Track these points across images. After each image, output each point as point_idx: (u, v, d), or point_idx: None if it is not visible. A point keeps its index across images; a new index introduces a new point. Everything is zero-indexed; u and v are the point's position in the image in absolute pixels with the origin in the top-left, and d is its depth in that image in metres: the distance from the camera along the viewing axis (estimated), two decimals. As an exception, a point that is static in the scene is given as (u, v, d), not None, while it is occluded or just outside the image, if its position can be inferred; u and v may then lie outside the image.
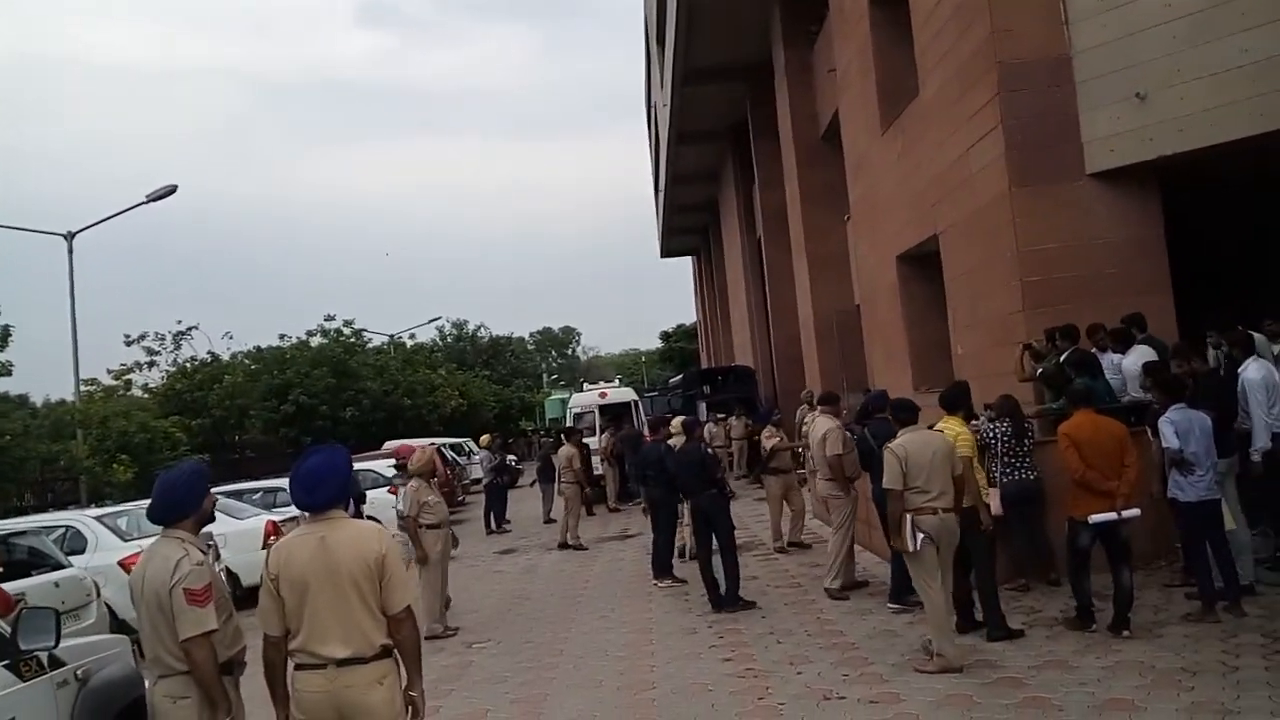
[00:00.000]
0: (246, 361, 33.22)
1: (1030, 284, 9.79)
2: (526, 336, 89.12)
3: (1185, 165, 9.19)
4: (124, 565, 9.62)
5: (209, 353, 31.75)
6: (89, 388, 25.30)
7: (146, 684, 3.98)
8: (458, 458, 25.16)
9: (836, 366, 19.31)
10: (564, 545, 13.71)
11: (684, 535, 10.40)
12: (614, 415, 20.36)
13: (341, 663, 3.48)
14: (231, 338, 45.85)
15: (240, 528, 12.18)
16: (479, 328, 64.32)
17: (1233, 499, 6.60)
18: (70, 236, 22.07)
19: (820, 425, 8.77)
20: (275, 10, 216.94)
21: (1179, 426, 6.21)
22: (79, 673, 4.38)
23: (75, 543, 10.17)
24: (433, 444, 17.32)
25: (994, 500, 7.32)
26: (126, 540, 10.27)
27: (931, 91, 11.94)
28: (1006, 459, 7.56)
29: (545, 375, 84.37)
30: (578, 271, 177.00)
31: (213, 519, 4.13)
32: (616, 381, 26.44)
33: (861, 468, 8.47)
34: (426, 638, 7.51)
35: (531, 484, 18.54)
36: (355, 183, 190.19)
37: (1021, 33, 9.83)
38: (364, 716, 3.48)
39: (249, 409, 29.93)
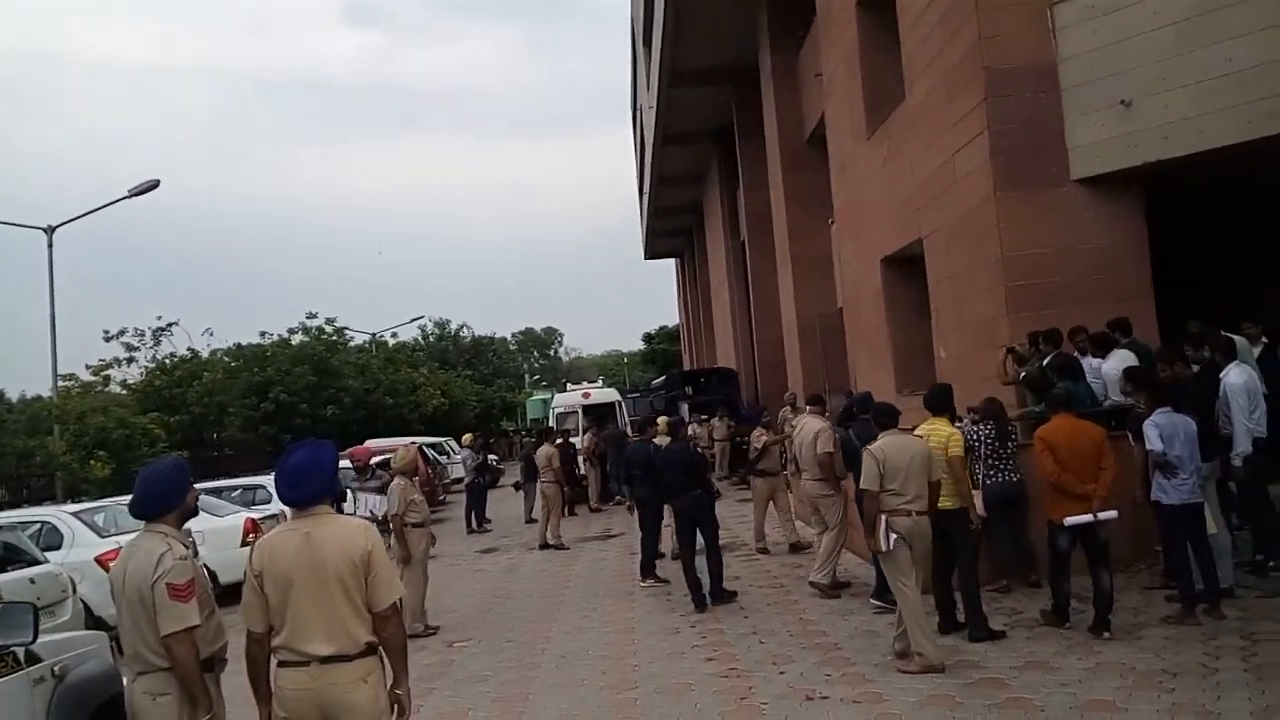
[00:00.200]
0: (226, 359, 32.96)
1: (1014, 288, 9.85)
2: (509, 337, 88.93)
3: (1169, 172, 9.26)
4: (101, 562, 9.53)
5: (189, 349, 31.50)
6: (67, 383, 25.03)
7: (125, 681, 3.92)
8: (438, 457, 25.06)
9: (819, 369, 19.36)
10: (545, 545, 13.66)
11: (665, 536, 10.38)
12: (597, 415, 20.33)
13: (325, 660, 3.44)
14: (212, 334, 45.43)
15: (219, 525, 12.08)
16: (461, 327, 64.09)
17: (1213, 503, 6.65)
18: (50, 231, 21.84)
19: (811, 425, 8.78)
20: (261, 8, 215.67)
21: (1164, 430, 6.25)
22: (56, 669, 4.31)
23: (51, 538, 10.06)
24: (413, 443, 17.23)
25: (977, 502, 7.34)
26: (104, 536, 10.16)
27: (918, 96, 11.98)
28: (990, 461, 7.59)
29: (527, 375, 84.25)
30: (561, 272, 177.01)
31: (195, 514, 4.07)
32: (600, 382, 26.39)
33: (845, 468, 8.50)
34: (408, 636, 7.46)
35: (515, 486, 18.47)
36: (340, 181, 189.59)
37: (1009, 39, 9.89)
38: (347, 715, 3.44)
39: (228, 406, 29.68)
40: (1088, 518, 6.33)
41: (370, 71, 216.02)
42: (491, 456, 21.30)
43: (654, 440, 10.39)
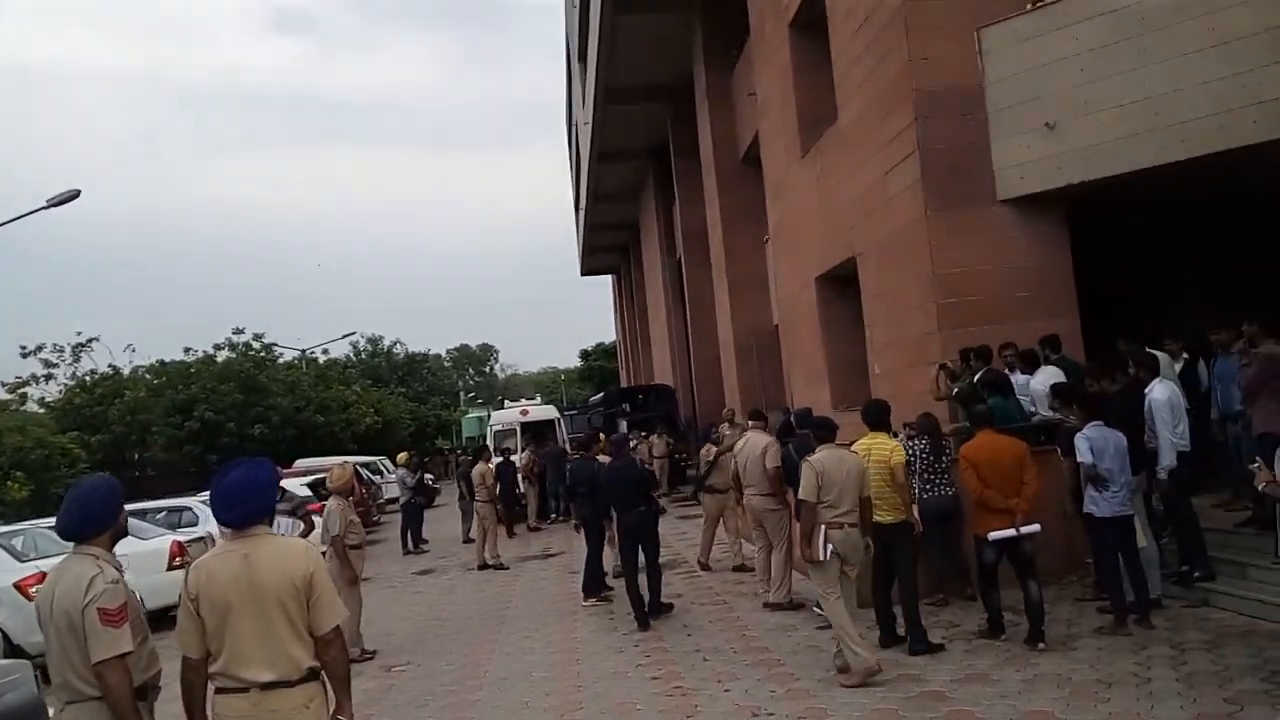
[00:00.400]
0: (149, 376, 32.01)
1: (945, 306, 10.05)
2: (443, 353, 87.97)
3: (1092, 193, 9.56)
4: (20, 588, 9.18)
5: (110, 366, 30.56)
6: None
7: (50, 711, 3.75)
8: (372, 476, 24.64)
9: (756, 386, 19.55)
10: (484, 565, 13.50)
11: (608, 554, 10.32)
12: (535, 433, 20.21)
13: (266, 686, 3.34)
14: (134, 351, 44.10)
15: (144, 548, 11.65)
16: (395, 344, 63.26)
17: (1142, 515, 6.85)
18: (-40, 244, 21.00)
19: (757, 440, 8.83)
20: (178, 12, 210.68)
21: (1094, 443, 6.44)
22: (-24, 702, 4.12)
23: (-35, 565, 9.61)
24: (346, 463, 16.93)
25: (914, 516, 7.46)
26: (23, 561, 9.76)
27: (850, 117, 12.21)
28: (925, 476, 7.73)
29: (462, 393, 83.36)
30: (496, 288, 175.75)
31: (126, 535, 3.92)
32: (538, 399, 26.26)
33: (785, 482, 8.58)
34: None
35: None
36: (266, 193, 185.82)
37: (937, 62, 10.13)
38: (291, 742, 3.34)
39: (151, 425, 28.84)
40: (1010, 532, 6.53)
41: (296, 81, 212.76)
42: (427, 476, 20.99)
43: (597, 458, 10.35)
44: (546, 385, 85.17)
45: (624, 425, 22.26)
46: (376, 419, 38.48)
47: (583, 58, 28.86)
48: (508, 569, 13.28)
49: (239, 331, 33.75)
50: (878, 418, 7.09)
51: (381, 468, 27.93)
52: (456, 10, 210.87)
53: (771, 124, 16.31)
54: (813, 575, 6.61)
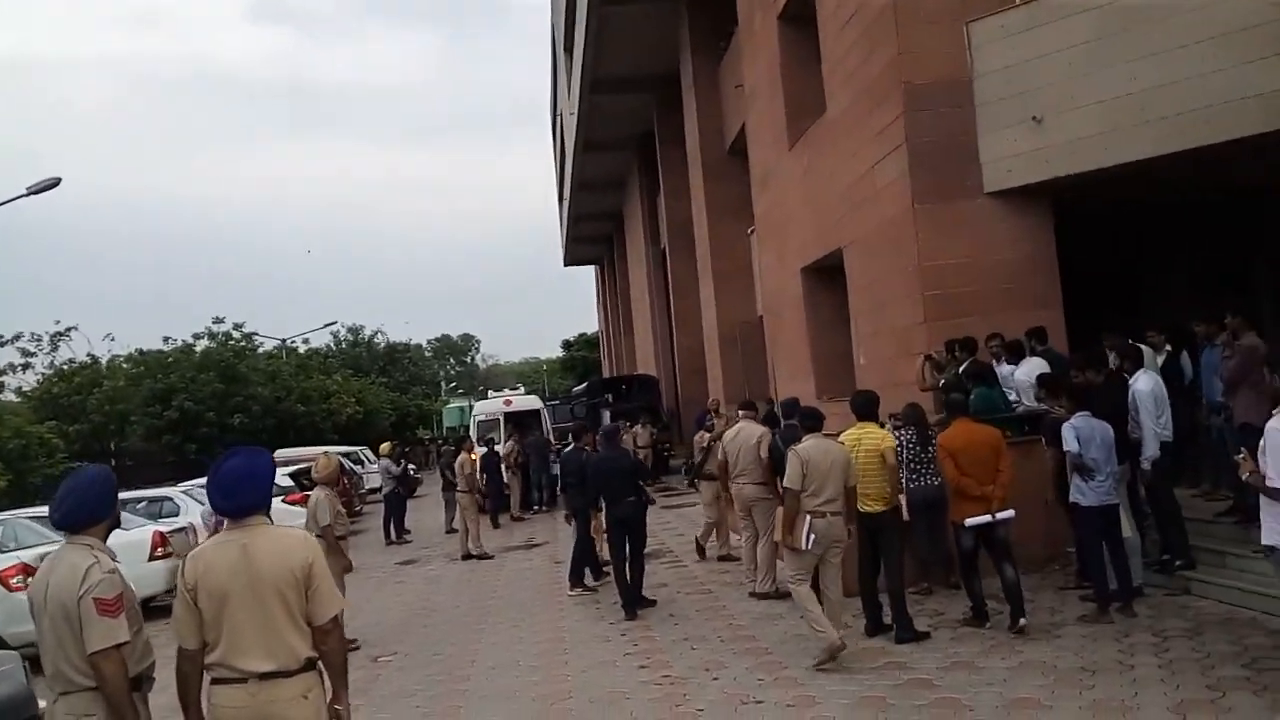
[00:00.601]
0: (125, 366, 31.68)
1: (931, 297, 10.12)
2: (424, 343, 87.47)
3: (1078, 186, 9.64)
4: (0, 578, 9.07)
5: (89, 355, 30.23)
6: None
7: (41, 703, 3.73)
8: (353, 467, 24.53)
9: (739, 376, 19.60)
10: (468, 555, 13.48)
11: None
12: (519, 423, 20.18)
13: (264, 676, 3.32)
14: (114, 340, 43.88)
15: (126, 539, 11.48)
16: (375, 333, 62.83)
17: (1125, 505, 6.94)
18: (-63, 230, 20.69)
19: (750, 429, 8.85)
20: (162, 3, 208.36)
21: (1081, 433, 6.52)
22: (-34, 692, 4.09)
23: (-55, 555, 9.52)
24: (326, 453, 16.88)
25: (902, 505, 7.52)
26: (3, 551, 9.67)
27: (839, 109, 12.24)
28: (912, 466, 7.78)
29: (444, 383, 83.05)
30: (479, 279, 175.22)
31: (120, 525, 3.90)
32: (521, 389, 26.21)
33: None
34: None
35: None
36: (246, 182, 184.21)
37: (926, 56, 10.17)
38: (289, 732, 3.34)
39: (130, 415, 28.55)
40: (986, 518, 6.65)
41: (277, 70, 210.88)
42: (409, 466, 20.92)
43: (586, 448, 10.36)
44: (528, 375, 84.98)
45: (607, 415, 22.29)
46: (358, 409, 38.27)
47: (568, 48, 28.77)
48: (492, 559, 13.27)
49: (219, 321, 33.47)
50: (867, 408, 7.14)
51: (363, 458, 27.81)
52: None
53: (759, 115, 16.33)
54: (785, 560, 6.75)
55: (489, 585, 11.24)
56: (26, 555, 9.56)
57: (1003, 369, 9.12)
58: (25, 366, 29.10)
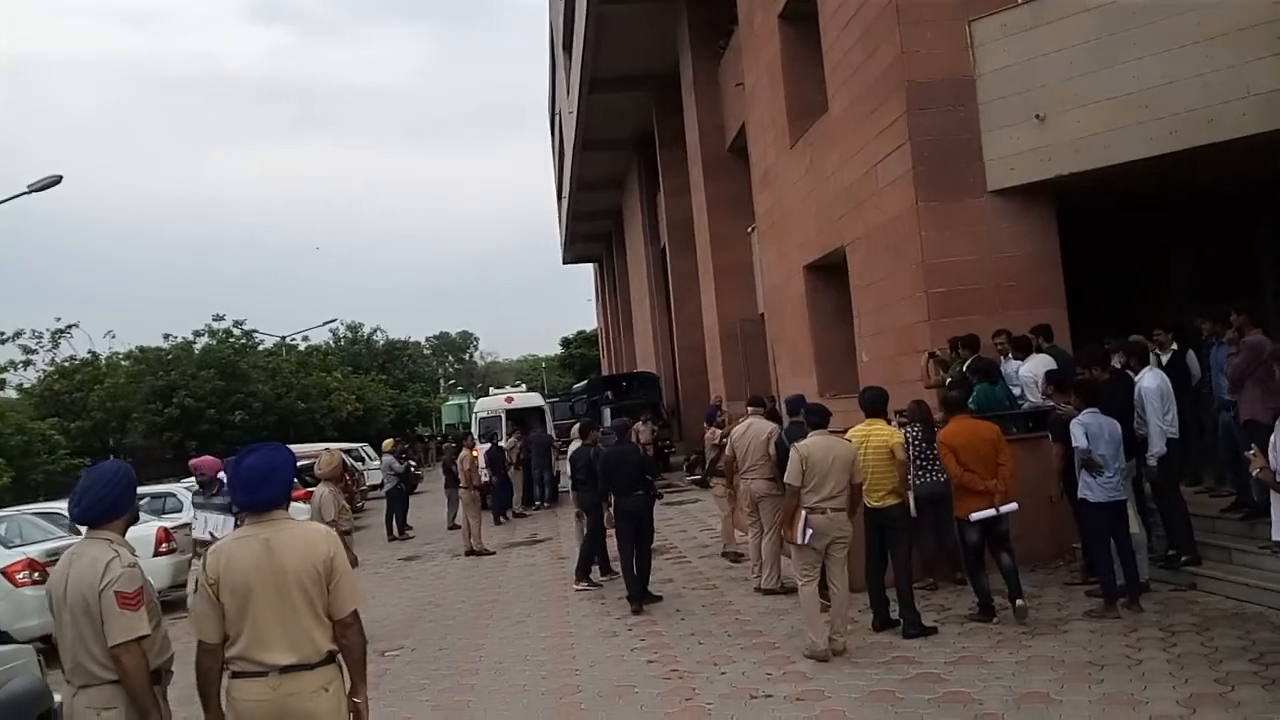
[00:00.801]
0: (126, 363, 31.69)
1: (935, 295, 10.15)
2: (423, 341, 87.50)
3: (1081, 184, 9.67)
4: (8, 574, 9.09)
5: (90, 352, 30.24)
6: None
7: (61, 696, 3.75)
8: (354, 463, 24.55)
9: (740, 374, 19.62)
10: (471, 551, 13.52)
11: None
12: (520, 420, 20.20)
13: (285, 669, 3.34)
14: (114, 337, 43.97)
15: (129, 535, 11.58)
16: (375, 331, 62.88)
17: (1131, 501, 6.97)
18: (-63, 227, 20.69)
19: (760, 425, 8.88)
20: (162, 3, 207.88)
21: (1089, 429, 6.55)
22: (-14, 685, 4.11)
23: (-48, 551, 9.52)
24: (328, 449, 16.89)
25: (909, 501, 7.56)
26: (9, 547, 9.67)
27: (840, 107, 12.26)
28: (918, 462, 7.81)
29: (443, 380, 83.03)
30: (478, 276, 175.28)
31: (138, 520, 3.92)
32: (523, 387, 26.22)
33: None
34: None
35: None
36: (244, 181, 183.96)
37: (928, 54, 10.20)
38: (309, 724, 3.36)
39: (131, 411, 28.56)
40: (991, 512, 6.74)
41: (273, 70, 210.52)
42: (410, 463, 20.95)
43: (596, 444, 10.43)
44: (526, 373, 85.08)
45: (608, 413, 22.31)
46: (358, 406, 38.31)
47: (568, 47, 28.76)
48: (494, 554, 13.31)
49: (219, 318, 33.51)
50: (876, 405, 7.17)
51: (363, 455, 27.83)
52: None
53: (760, 114, 16.34)
54: (794, 558, 6.81)
55: (493, 581, 11.27)
56: (33, 551, 9.58)
57: (1009, 365, 9.15)
58: (26, 363, 29.19)
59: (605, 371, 48.45)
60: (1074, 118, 9.42)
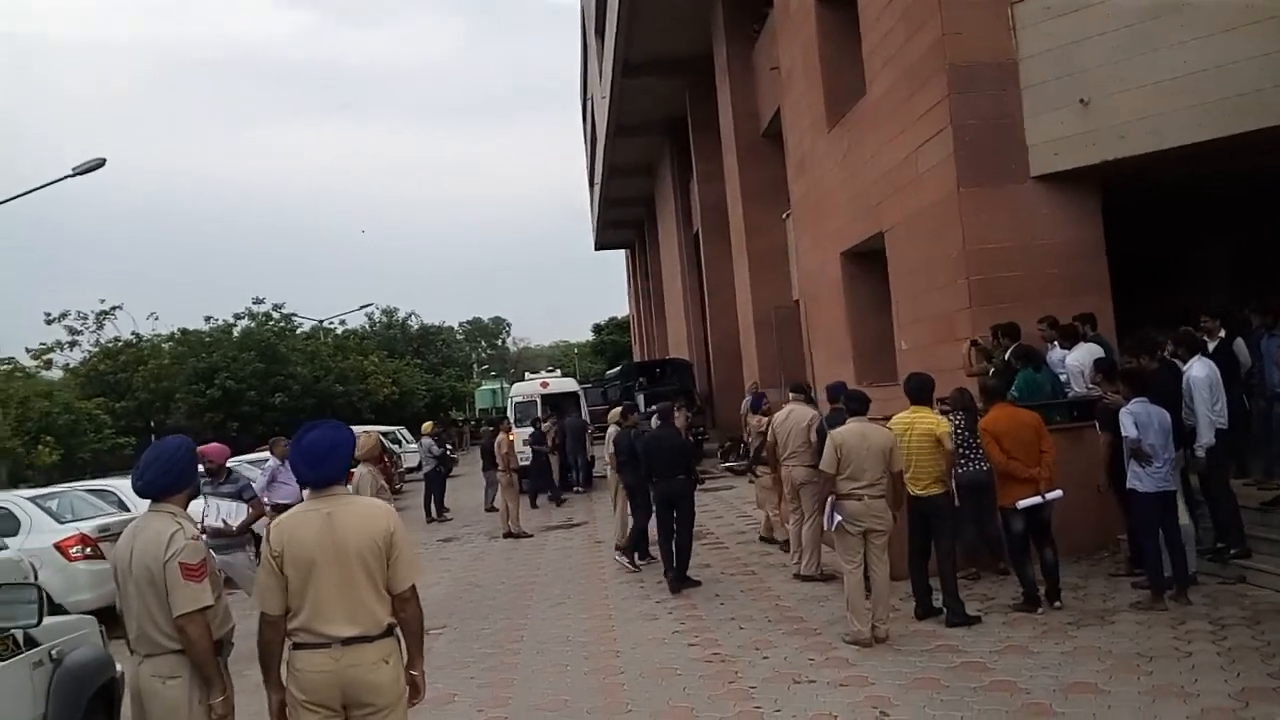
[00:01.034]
0: (166, 345, 32.23)
1: (976, 282, 10.05)
2: (456, 326, 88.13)
3: (1126, 170, 9.54)
4: (61, 548, 9.31)
5: (133, 333, 30.79)
6: (5, 367, 24.32)
7: (125, 665, 3.86)
8: (391, 446, 24.81)
9: (774, 361, 19.57)
10: (509, 534, 13.66)
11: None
12: (555, 405, 20.29)
13: (347, 641, 3.42)
14: (157, 319, 44.72)
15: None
16: (409, 315, 63.41)
17: (1179, 492, 6.89)
18: (-15, 211, 21.10)
19: (802, 412, 8.89)
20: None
21: (1138, 418, 6.49)
22: (54, 653, 4.23)
23: (7, 525, 9.74)
24: (366, 431, 17.06)
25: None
26: (62, 523, 9.90)
27: (879, 91, 12.16)
28: (961, 450, 7.76)
29: (475, 365, 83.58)
30: (509, 262, 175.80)
31: (199, 494, 4.02)
32: (558, 372, 26.35)
33: (816, 455, 8.67)
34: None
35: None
36: (280, 163, 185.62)
37: (970, 36, 10.08)
38: (370, 695, 3.44)
39: (174, 392, 29.06)
40: (1037, 499, 6.74)
41: (308, 50, 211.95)
42: (447, 446, 21.15)
43: (635, 426, 10.54)
44: (558, 359, 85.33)
45: (641, 399, 22.36)
46: (394, 390, 38.68)
47: (600, 31, 28.70)
48: (531, 536, 13.43)
49: (259, 301, 33.96)
50: (921, 392, 7.12)
51: (400, 437, 28.09)
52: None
53: (796, 98, 16.23)
54: (836, 545, 6.84)
55: (532, 563, 11.38)
56: (85, 526, 9.79)
57: (1054, 353, 9.06)
58: (72, 344, 29.79)
59: (637, 358, 48.52)
60: (1119, 102, 9.29)
